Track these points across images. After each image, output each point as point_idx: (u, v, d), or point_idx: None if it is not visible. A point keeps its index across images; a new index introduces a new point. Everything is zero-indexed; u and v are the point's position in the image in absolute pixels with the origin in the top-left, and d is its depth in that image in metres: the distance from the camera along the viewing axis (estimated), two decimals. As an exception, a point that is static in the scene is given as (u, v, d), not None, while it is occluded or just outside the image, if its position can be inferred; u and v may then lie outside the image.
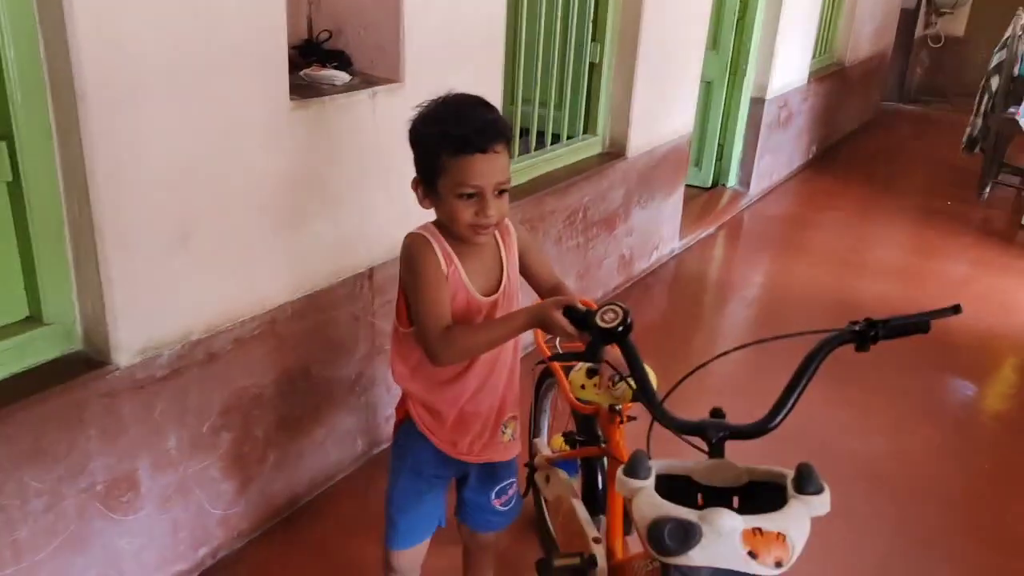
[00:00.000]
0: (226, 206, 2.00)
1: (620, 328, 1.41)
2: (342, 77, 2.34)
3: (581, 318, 1.45)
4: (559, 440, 2.28)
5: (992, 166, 6.17)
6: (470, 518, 1.90)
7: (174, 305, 1.95)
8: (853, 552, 2.47)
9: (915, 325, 1.45)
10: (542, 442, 2.40)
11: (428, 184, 1.57)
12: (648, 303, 4.10)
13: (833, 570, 2.39)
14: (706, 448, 1.33)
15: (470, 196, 1.52)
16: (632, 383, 1.50)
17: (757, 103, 5.43)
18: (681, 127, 4.34)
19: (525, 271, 1.76)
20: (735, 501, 1.31)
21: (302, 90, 2.22)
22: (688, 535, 1.16)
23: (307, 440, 2.43)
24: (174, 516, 2.08)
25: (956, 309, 1.44)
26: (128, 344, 1.87)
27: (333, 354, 2.43)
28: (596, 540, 1.91)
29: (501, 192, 1.55)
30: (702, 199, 5.38)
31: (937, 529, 2.60)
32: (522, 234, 1.75)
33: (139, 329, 1.89)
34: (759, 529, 1.17)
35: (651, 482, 1.24)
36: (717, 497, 1.28)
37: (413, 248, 1.60)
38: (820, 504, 1.21)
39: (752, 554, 1.16)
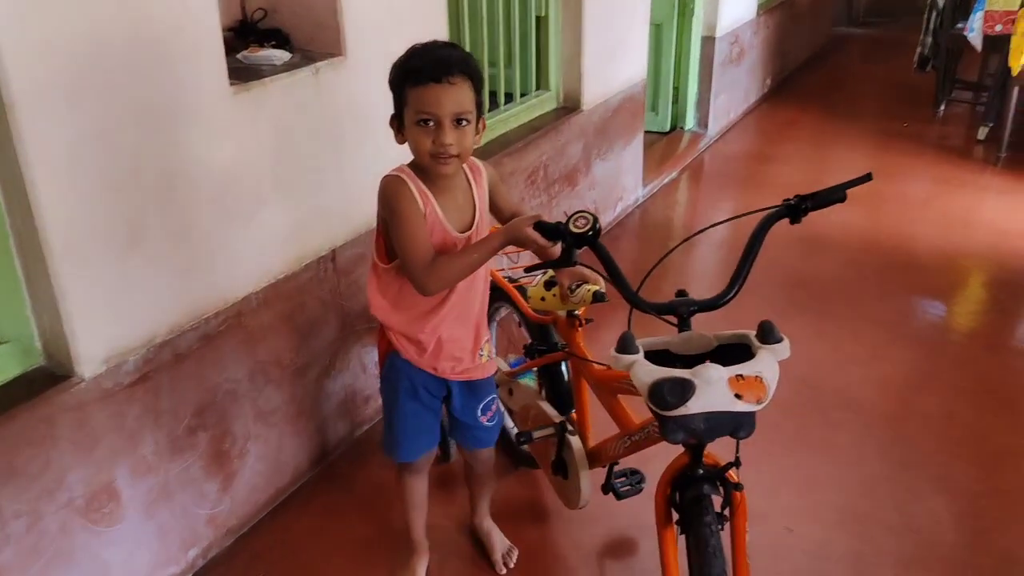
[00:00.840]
0: (176, 202, 1.94)
1: (591, 232, 1.54)
2: (282, 56, 2.26)
3: (552, 229, 1.58)
4: (513, 356, 2.50)
5: (945, 83, 6.20)
6: (462, 437, 2.05)
7: (134, 309, 1.90)
8: (840, 482, 2.51)
9: (834, 195, 1.64)
10: (498, 360, 2.50)
11: (399, 119, 1.68)
12: (617, 254, 4.01)
13: (822, 501, 2.43)
14: (676, 324, 1.56)
15: (427, 123, 1.61)
16: (602, 282, 1.81)
17: (708, 41, 5.38)
18: (634, 74, 4.29)
19: (492, 206, 1.88)
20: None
21: (241, 73, 2.15)
22: (684, 389, 1.38)
23: (287, 430, 2.40)
24: (159, 521, 2.05)
25: (868, 177, 1.64)
26: (91, 354, 1.82)
27: (304, 341, 2.39)
28: (570, 432, 2.16)
29: (460, 123, 1.62)
30: (661, 144, 5.35)
31: (919, 451, 2.64)
32: (490, 172, 1.86)
33: (101, 338, 1.83)
34: (740, 375, 1.41)
35: (641, 355, 1.46)
36: (693, 364, 1.47)
37: (390, 188, 1.70)
38: (783, 349, 1.46)
39: (738, 396, 1.39)
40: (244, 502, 2.29)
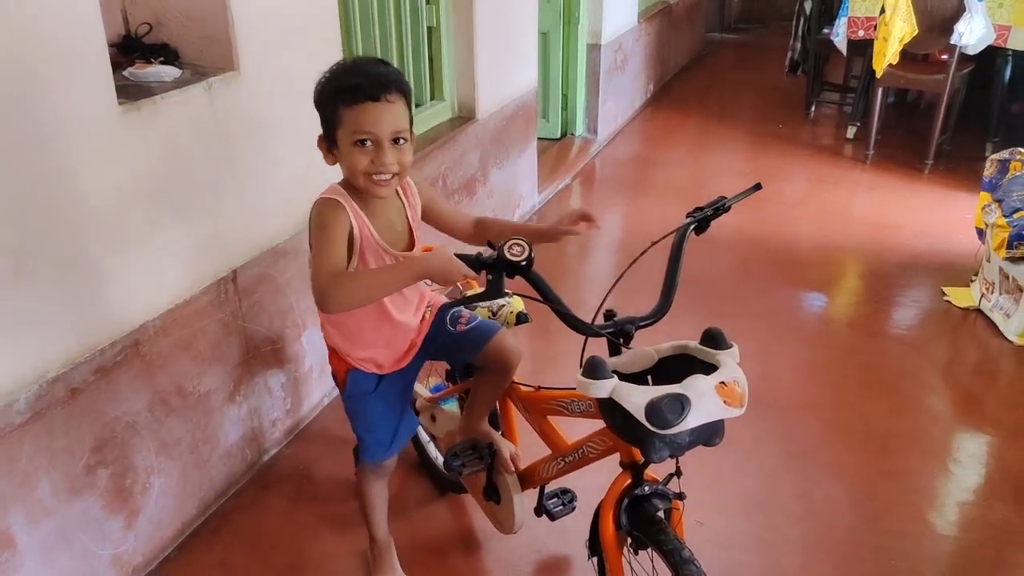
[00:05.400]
0: (63, 229, 1.83)
1: (525, 261, 1.48)
2: (171, 72, 2.17)
3: (474, 260, 1.51)
4: (434, 380, 2.42)
5: (815, 86, 6.55)
6: (460, 355, 1.99)
7: (21, 345, 1.78)
8: (743, 473, 2.61)
9: (728, 204, 1.78)
10: (419, 386, 2.40)
11: (330, 139, 1.62)
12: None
13: (728, 493, 2.52)
14: (622, 344, 1.56)
15: (364, 143, 1.57)
16: (522, 303, 1.84)
17: (594, 49, 5.50)
18: (526, 82, 4.34)
19: (438, 222, 1.87)
20: (650, 380, 1.56)
21: (129, 91, 2.05)
22: (683, 404, 1.37)
23: (192, 460, 2.30)
24: (59, 567, 1.92)
25: (757, 187, 1.76)
26: (-24, 395, 1.70)
27: (206, 366, 2.30)
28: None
29: (398, 141, 1.59)
30: (554, 150, 5.43)
31: (814, 441, 2.78)
32: (424, 188, 1.83)
33: (-14, 377, 1.72)
34: (722, 382, 1.41)
35: (616, 378, 1.42)
36: (637, 380, 1.49)
37: (324, 208, 1.64)
38: (736, 353, 1.49)
39: (726, 403, 1.40)
40: (149, 539, 2.19)
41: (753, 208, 5.02)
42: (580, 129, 5.67)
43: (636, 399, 1.39)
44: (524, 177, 4.46)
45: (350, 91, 1.55)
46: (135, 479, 2.11)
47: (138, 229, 2.03)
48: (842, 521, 2.42)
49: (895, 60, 5.09)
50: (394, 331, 1.86)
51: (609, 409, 1.47)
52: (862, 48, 5.55)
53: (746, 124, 6.44)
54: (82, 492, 1.96)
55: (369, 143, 1.57)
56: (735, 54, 9.14)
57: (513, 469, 2.04)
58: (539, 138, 4.87)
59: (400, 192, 1.76)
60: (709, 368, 1.48)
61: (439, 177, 3.47)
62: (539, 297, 1.58)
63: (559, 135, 5.60)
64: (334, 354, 1.90)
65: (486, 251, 1.54)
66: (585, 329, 1.56)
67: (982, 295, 3.58)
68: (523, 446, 2.16)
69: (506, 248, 1.48)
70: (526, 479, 2.06)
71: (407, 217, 1.76)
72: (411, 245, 1.76)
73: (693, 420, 1.38)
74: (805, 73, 6.54)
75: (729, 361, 1.47)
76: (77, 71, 1.81)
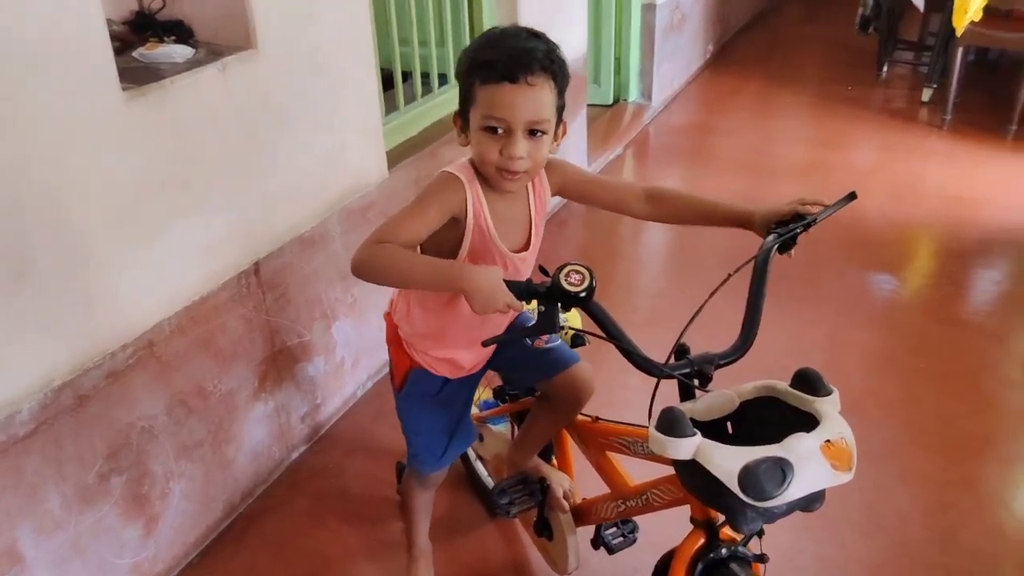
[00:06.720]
0: (66, 226, 1.71)
1: (584, 293, 1.26)
2: (183, 52, 2.02)
3: (523, 288, 1.29)
4: (486, 393, 2.19)
5: (887, 44, 6.14)
6: (536, 375, 1.74)
7: (24, 352, 1.67)
8: (804, 481, 2.40)
9: (815, 220, 1.52)
10: None
11: (464, 117, 1.44)
12: (564, 239, 3.93)
13: (787, 505, 2.32)
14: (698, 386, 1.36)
15: (495, 130, 1.37)
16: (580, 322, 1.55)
17: (649, 9, 5.20)
18: (574, 47, 4.10)
19: (591, 198, 1.64)
20: (729, 427, 1.35)
21: (138, 74, 1.91)
22: (784, 471, 1.14)
23: (215, 461, 2.20)
24: (73, 580, 1.84)
25: (852, 196, 1.52)
26: (-25, 407, 1.60)
27: (228, 364, 2.18)
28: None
29: (535, 133, 1.38)
30: (605, 118, 5.18)
31: (886, 442, 2.55)
32: (559, 167, 1.59)
33: (-14, 388, 1.61)
34: (828, 441, 1.18)
35: (699, 435, 1.20)
36: (714, 429, 1.29)
37: (440, 180, 1.47)
38: (836, 400, 1.27)
39: (834, 466, 1.17)
40: (171, 544, 2.10)
41: (819, 179, 4.74)
42: (634, 95, 5.39)
43: (727, 463, 1.16)
44: (572, 147, 4.24)
45: (485, 67, 1.35)
46: (153, 485, 2.01)
47: (149, 223, 1.90)
48: (913, 536, 2.21)
49: (978, 16, 4.69)
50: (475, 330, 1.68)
51: (688, 468, 1.24)
52: (940, 3, 5.15)
53: (812, 87, 6.06)
54: (95, 502, 1.87)
55: (500, 131, 1.37)
56: (801, 10, 8.65)
57: (567, 508, 1.84)
58: (589, 104, 4.64)
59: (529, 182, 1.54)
60: (802, 417, 1.27)
61: (480, 153, 3.28)
62: (601, 334, 1.34)
63: (611, 101, 5.33)
64: (400, 348, 1.71)
65: (539, 278, 1.34)
66: (656, 371, 1.33)
67: (1073, 279, 3.27)
68: (580, 477, 1.95)
69: (563, 276, 1.27)
70: (581, 516, 1.85)
71: (530, 211, 1.55)
72: (527, 244, 1.56)
73: (796, 490, 1.15)
74: (877, 31, 6.12)
75: (831, 411, 1.24)
76: (73, 55, 1.67)
